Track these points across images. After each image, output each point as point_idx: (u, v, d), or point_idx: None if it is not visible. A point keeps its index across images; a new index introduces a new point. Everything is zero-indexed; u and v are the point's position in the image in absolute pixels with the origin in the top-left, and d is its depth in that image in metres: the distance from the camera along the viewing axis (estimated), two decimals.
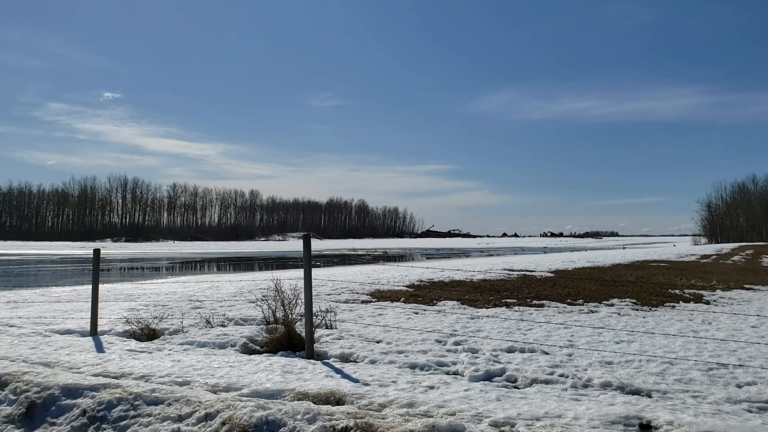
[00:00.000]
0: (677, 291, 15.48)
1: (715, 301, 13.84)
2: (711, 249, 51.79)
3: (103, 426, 5.31)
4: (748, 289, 16.83)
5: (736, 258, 35.43)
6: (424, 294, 13.54)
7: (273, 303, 9.17)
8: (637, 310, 12.05)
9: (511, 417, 4.94)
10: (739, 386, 6.33)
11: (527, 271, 21.20)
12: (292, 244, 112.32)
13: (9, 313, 11.51)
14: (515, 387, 6.40)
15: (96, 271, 9.58)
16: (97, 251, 9.78)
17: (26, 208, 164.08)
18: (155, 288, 16.47)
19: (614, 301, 13.05)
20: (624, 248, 74.98)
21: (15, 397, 5.87)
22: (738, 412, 5.47)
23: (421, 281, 16.45)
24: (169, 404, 5.38)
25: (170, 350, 8.09)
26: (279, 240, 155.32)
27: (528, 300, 12.95)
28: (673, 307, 12.57)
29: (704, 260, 32.88)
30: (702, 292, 15.57)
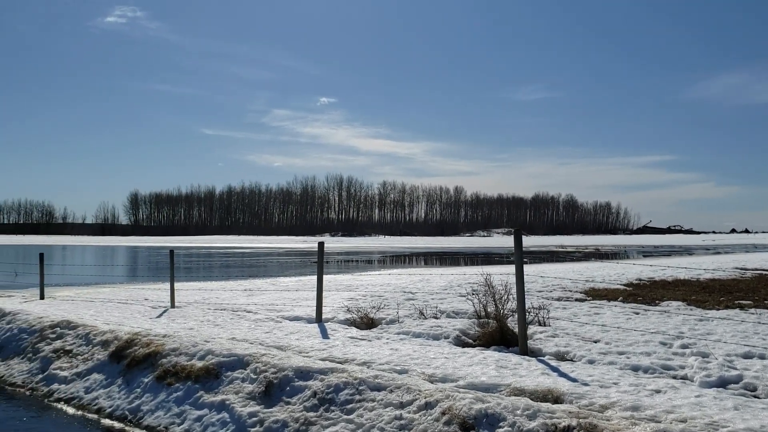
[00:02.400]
0: None
1: None
2: None
3: (332, 408, 5.69)
4: None
5: None
6: (645, 293, 12.74)
7: (483, 297, 9.17)
8: None
9: (753, 428, 4.47)
10: None
11: (763, 270, 19.09)
12: (497, 240, 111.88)
13: (246, 300, 12.77)
14: (755, 396, 5.77)
15: (320, 262, 10.29)
16: (321, 244, 10.50)
17: (256, 206, 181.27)
18: (371, 279, 17.32)
19: None
20: None
21: (255, 377, 6.50)
22: None
23: (641, 280, 15.52)
24: (391, 391, 5.62)
25: (388, 339, 8.44)
26: (483, 236, 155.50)
27: (767, 302, 11.63)
28: None
29: None
30: None
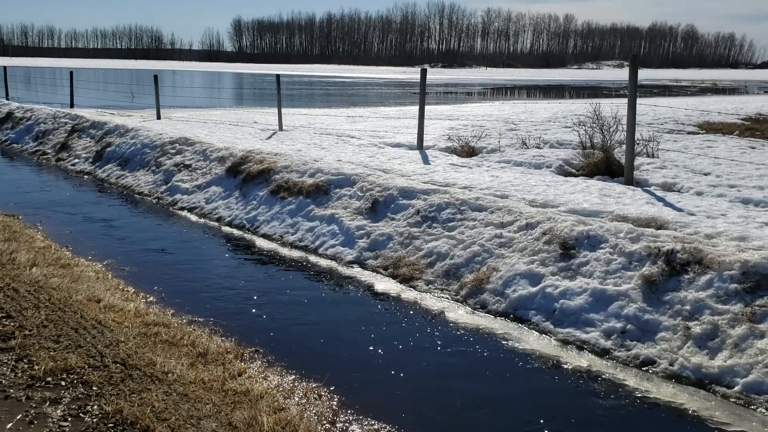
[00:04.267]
0: None
1: None
2: None
3: (434, 225, 5.94)
4: None
5: None
6: (764, 128, 12.02)
7: (590, 128, 8.95)
8: None
9: None
10: None
11: None
12: (606, 73, 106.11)
13: (349, 126, 13.04)
14: None
15: (422, 88, 10.23)
16: (424, 71, 10.38)
17: (356, 34, 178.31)
18: (471, 110, 17.14)
19: None
20: None
21: (362, 194, 6.81)
22: None
23: (760, 114, 14.56)
24: (492, 212, 5.77)
25: (488, 167, 8.51)
26: (592, 68, 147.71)
27: None
28: None
29: None
30: None
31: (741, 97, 27.50)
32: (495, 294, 4.85)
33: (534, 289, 4.68)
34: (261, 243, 6.79)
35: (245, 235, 7.11)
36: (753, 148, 9.78)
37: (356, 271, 5.80)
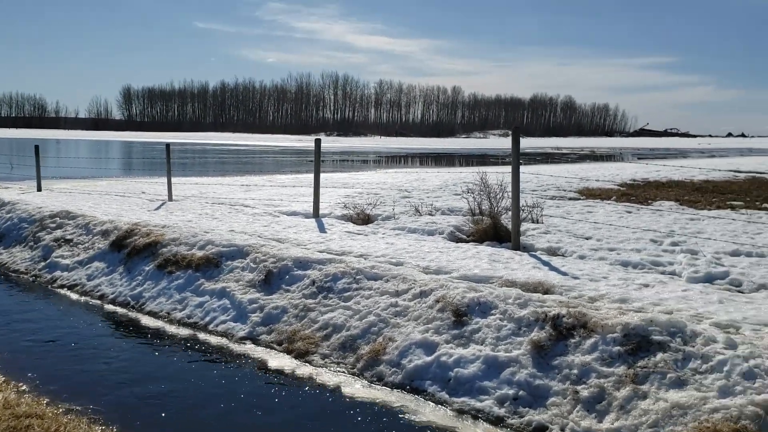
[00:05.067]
0: None
1: None
2: None
3: (330, 295, 5.87)
4: None
5: None
6: (638, 193, 12.87)
7: (478, 195, 9.27)
8: None
9: (735, 320, 4.66)
10: None
11: (757, 173, 19.18)
12: (493, 142, 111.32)
13: (243, 195, 12.87)
14: (740, 291, 5.96)
15: (317, 159, 10.29)
16: (318, 140, 10.49)
17: (251, 103, 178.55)
18: (367, 178, 17.39)
19: None
20: None
21: (255, 266, 6.65)
22: None
23: (635, 180, 15.62)
24: (387, 280, 5.78)
25: (383, 234, 8.58)
26: (480, 137, 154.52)
27: (758, 203, 11.78)
28: None
29: None
30: None
31: (617, 163, 29.51)
32: (391, 365, 4.80)
33: (429, 359, 4.67)
34: (147, 321, 6.45)
35: (130, 313, 6.74)
36: (629, 212, 10.42)
37: (249, 348, 5.60)
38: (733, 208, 11.13)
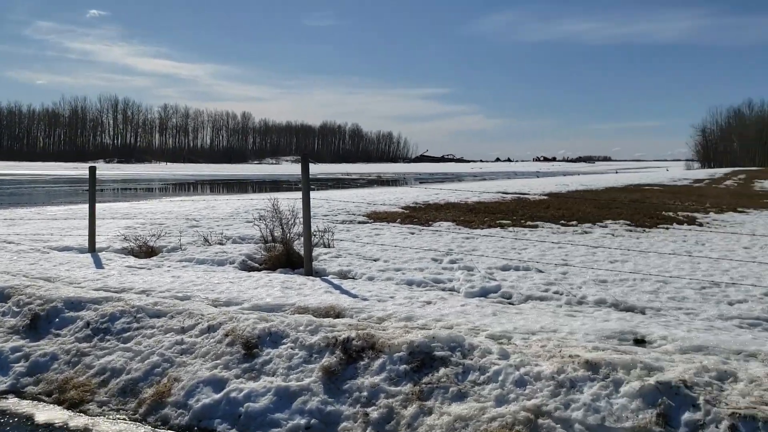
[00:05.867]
0: (671, 213, 15.61)
1: (708, 223, 13.98)
2: (704, 174, 51.97)
3: (107, 337, 5.40)
4: (740, 212, 16.98)
5: (728, 182, 35.60)
6: (420, 215, 13.61)
7: (270, 222, 9.19)
8: (631, 231, 12.17)
9: (507, 331, 5.05)
10: (730, 304, 6.45)
11: (521, 194, 21.26)
12: (286, 168, 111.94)
13: (6, 230, 11.52)
14: (510, 303, 6.50)
15: (92, 188, 9.54)
16: (93, 168, 9.72)
17: (17, 128, 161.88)
18: (151, 207, 16.48)
19: (608, 222, 13.16)
20: (617, 172, 75.03)
21: (18, 309, 5.94)
22: (729, 328, 5.59)
23: (417, 203, 16.50)
24: (172, 317, 5.46)
25: (169, 267, 8.16)
26: (272, 163, 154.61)
27: (522, 221, 13.04)
28: (667, 228, 12.69)
29: (697, 184, 33.04)
30: (695, 214, 15.70)
31: (401, 188, 31.04)
32: (177, 407, 4.52)
33: (218, 396, 4.47)
34: None
35: None
36: (413, 233, 10.96)
37: (11, 402, 4.95)
38: (502, 226, 12.19)
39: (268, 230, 9.14)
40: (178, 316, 5.47)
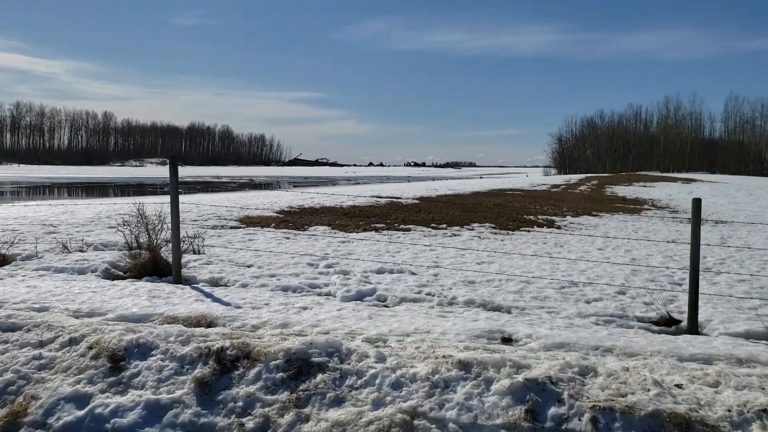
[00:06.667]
0: (532, 217, 16.50)
1: (565, 226, 14.90)
2: (561, 179, 55.34)
3: None
4: (594, 215, 18.25)
5: (583, 188, 38.13)
6: (295, 220, 13.52)
7: (136, 228, 8.80)
8: (496, 233, 12.74)
9: (383, 333, 5.12)
10: (587, 302, 6.92)
11: (394, 198, 21.67)
12: (151, 170, 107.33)
13: None
14: (385, 306, 6.61)
15: None
16: None
17: None
18: (2, 212, 15.23)
19: (475, 225, 13.70)
20: (482, 177, 78.27)
21: None
22: (587, 325, 6.00)
23: (291, 207, 16.38)
24: (28, 330, 5.08)
25: (24, 276, 7.59)
26: (136, 166, 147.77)
27: (396, 225, 13.30)
28: (529, 231, 13.41)
29: (555, 189, 35.13)
30: (554, 218, 16.69)
31: (275, 191, 30.68)
32: (35, 427, 4.20)
33: (82, 413, 4.20)
34: None
35: None
36: (288, 238, 10.86)
37: None
38: (377, 230, 12.37)
39: (133, 236, 8.74)
40: (36, 329, 5.09)
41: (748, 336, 5.77)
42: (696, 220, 5.92)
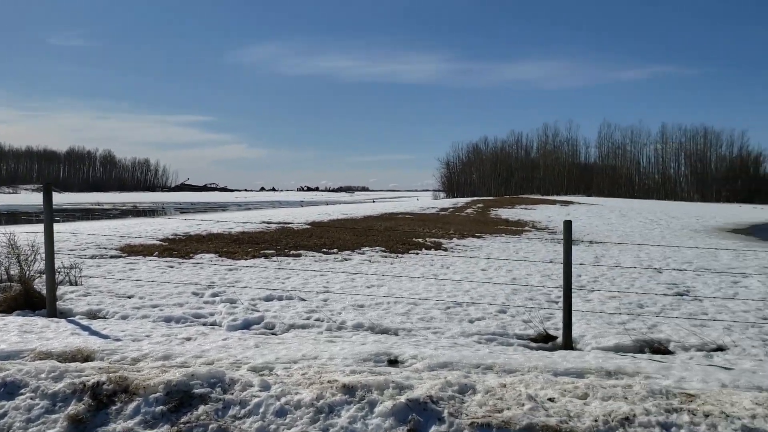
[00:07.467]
0: (420, 240, 16.88)
1: (452, 248, 15.35)
2: (449, 203, 56.91)
3: None
4: (479, 237, 18.91)
5: (469, 210, 39.41)
6: (180, 247, 13.13)
7: (6, 259, 8.29)
8: (386, 257, 12.94)
9: (269, 362, 5.08)
10: (471, 321, 7.16)
11: (285, 223, 21.52)
12: (25, 198, 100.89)
13: None
14: (273, 333, 6.56)
15: None
16: None
17: None
18: None
19: (366, 249, 13.85)
20: (374, 201, 79.24)
21: None
22: (470, 344, 6.21)
23: (176, 235, 15.89)
24: None
25: None
26: (9, 193, 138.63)
27: (286, 250, 13.21)
28: (417, 253, 13.71)
29: (443, 212, 36.11)
30: (441, 240, 17.15)
31: (159, 218, 29.64)
32: None
33: None
34: None
35: None
36: (171, 267, 10.54)
37: None
38: (266, 256, 12.24)
39: (2, 268, 8.22)
40: None
41: (617, 349, 6.17)
42: (568, 242, 6.28)
